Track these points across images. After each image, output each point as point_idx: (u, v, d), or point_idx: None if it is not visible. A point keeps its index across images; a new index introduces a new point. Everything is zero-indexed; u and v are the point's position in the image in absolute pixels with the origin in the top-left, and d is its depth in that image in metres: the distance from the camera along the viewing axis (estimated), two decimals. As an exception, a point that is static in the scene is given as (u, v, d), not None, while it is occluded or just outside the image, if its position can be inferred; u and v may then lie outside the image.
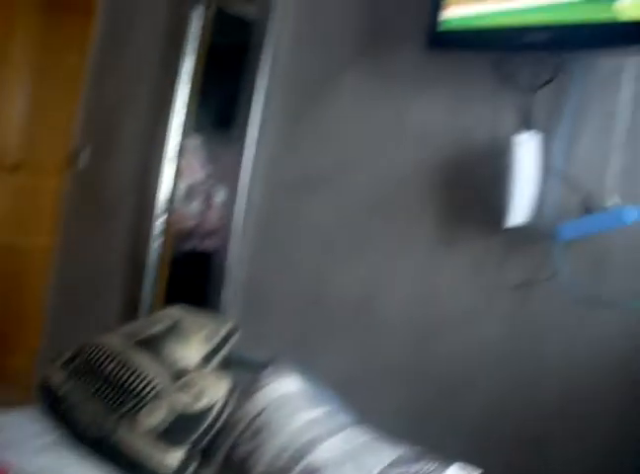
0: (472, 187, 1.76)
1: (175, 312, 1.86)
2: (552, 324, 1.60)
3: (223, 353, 1.79)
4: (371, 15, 2.01)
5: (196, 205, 2.66)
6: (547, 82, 1.63)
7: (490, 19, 1.61)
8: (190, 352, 1.72)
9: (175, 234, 2.58)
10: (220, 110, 2.55)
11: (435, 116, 1.84)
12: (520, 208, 1.56)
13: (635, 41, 1.43)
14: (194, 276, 2.48)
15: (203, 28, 2.49)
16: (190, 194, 2.64)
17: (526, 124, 1.64)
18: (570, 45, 1.53)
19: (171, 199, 2.51)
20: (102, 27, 2.81)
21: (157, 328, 1.77)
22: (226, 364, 1.80)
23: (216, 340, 1.78)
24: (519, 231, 1.60)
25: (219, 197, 2.54)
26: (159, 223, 2.49)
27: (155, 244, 2.50)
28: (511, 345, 1.66)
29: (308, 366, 1.79)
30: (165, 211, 2.51)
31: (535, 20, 1.54)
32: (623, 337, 1.50)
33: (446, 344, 1.77)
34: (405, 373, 1.84)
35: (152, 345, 1.72)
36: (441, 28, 1.67)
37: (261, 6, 2.26)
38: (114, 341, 1.74)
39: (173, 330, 1.76)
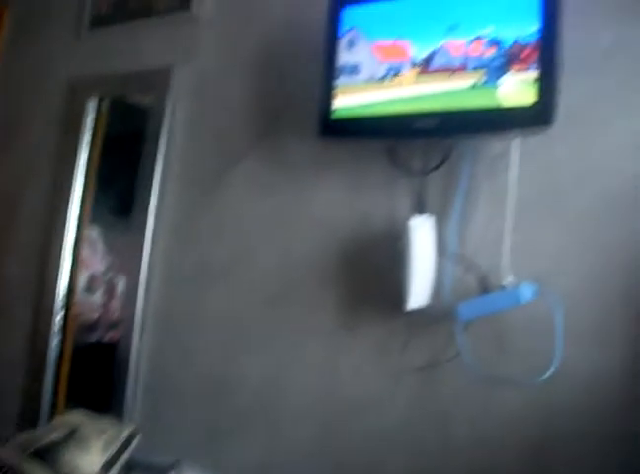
0: (372, 271, 1.76)
1: (74, 418, 1.76)
2: (457, 404, 1.60)
3: (125, 458, 1.70)
4: (266, 105, 2.04)
5: (97, 297, 2.59)
6: (438, 166, 1.68)
7: (380, 107, 1.65)
8: (89, 459, 1.63)
9: (77, 327, 2.50)
10: (118, 199, 2.52)
11: (332, 202, 1.86)
12: (419, 291, 1.57)
13: (516, 125, 1.50)
14: (98, 370, 2.39)
15: (99, 117, 2.48)
16: (91, 285, 2.57)
17: (420, 208, 1.67)
18: (458, 131, 1.58)
19: (71, 292, 2.44)
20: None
21: (54, 436, 1.66)
22: (128, 470, 1.72)
23: (117, 445, 1.69)
24: (420, 313, 1.61)
25: (120, 287, 2.48)
26: (59, 317, 2.41)
27: (56, 339, 2.40)
28: (417, 427, 1.64)
29: (216, 461, 1.75)
30: (65, 304, 2.42)
31: (424, 107, 1.59)
32: (527, 413, 1.51)
33: (352, 429, 1.74)
34: (312, 461, 1.80)
35: (49, 454, 1.62)
36: (333, 116, 1.70)
37: (156, 96, 2.27)
38: (6, 453, 1.63)
39: (71, 437, 1.66)
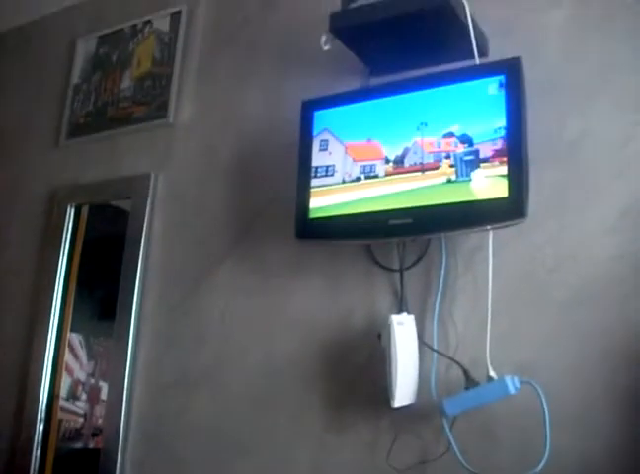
0: (356, 369, 1.76)
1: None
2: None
3: None
4: (244, 207, 2.09)
5: (81, 403, 2.55)
6: (415, 262, 1.71)
7: (355, 206, 1.67)
8: None
9: (60, 434, 2.45)
10: (100, 304, 2.52)
11: (312, 302, 1.87)
12: (404, 388, 1.56)
13: (490, 219, 1.52)
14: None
15: (78, 224, 2.51)
16: (74, 391, 2.53)
17: (400, 305, 1.69)
18: (433, 226, 1.59)
19: (53, 399, 2.40)
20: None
21: None
22: None
23: None
24: (407, 409, 1.59)
25: (104, 393, 2.44)
26: (41, 426, 2.36)
27: (38, 448, 2.35)
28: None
29: None
30: (47, 412, 2.38)
31: (399, 205, 1.61)
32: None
33: None
34: None
35: None
36: (310, 217, 1.72)
37: (135, 202, 2.30)
38: None
39: None
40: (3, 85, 2.98)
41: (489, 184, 1.50)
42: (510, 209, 1.47)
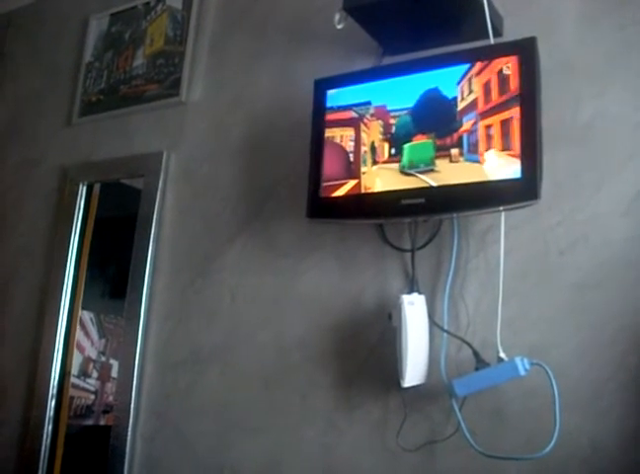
0: (366, 349, 1.76)
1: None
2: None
3: None
4: (255, 186, 2.09)
5: (91, 381, 2.57)
6: (427, 242, 1.71)
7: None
8: None
9: (72, 411, 2.47)
10: (110, 283, 2.53)
11: (323, 281, 1.87)
12: (414, 368, 1.56)
13: (503, 200, 1.51)
14: (92, 454, 2.36)
15: (90, 202, 2.53)
16: (84, 369, 2.55)
17: (411, 285, 1.69)
18: (446, 206, 1.58)
19: (65, 376, 2.42)
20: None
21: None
22: None
23: None
24: (416, 390, 1.60)
25: (114, 371, 2.46)
26: (53, 402, 2.39)
27: (50, 425, 2.38)
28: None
29: None
30: (59, 389, 2.41)
31: (411, 184, 1.60)
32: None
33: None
34: None
35: None
36: (322, 197, 1.72)
37: (147, 180, 2.31)
38: None
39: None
40: (16, 63, 2.99)
41: (502, 164, 1.48)
42: (523, 190, 1.46)
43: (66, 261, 2.46)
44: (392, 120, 1.65)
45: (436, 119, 1.60)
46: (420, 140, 1.60)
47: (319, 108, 1.77)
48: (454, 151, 1.54)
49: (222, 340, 2.03)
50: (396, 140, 1.64)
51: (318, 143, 1.75)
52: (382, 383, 1.69)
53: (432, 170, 1.56)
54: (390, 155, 1.64)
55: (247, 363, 1.97)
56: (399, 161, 1.62)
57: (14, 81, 2.98)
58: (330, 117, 1.75)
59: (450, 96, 1.58)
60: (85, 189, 2.54)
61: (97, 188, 2.56)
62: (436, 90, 1.61)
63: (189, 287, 2.15)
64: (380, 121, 1.67)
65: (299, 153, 1.86)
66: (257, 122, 2.14)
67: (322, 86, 1.79)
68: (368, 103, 1.70)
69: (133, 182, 2.44)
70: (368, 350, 1.75)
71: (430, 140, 1.58)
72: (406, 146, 1.61)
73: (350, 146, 1.70)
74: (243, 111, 2.19)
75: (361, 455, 1.72)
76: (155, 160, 2.31)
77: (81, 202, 2.52)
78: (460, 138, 1.54)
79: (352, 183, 1.68)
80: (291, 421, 1.85)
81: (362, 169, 1.67)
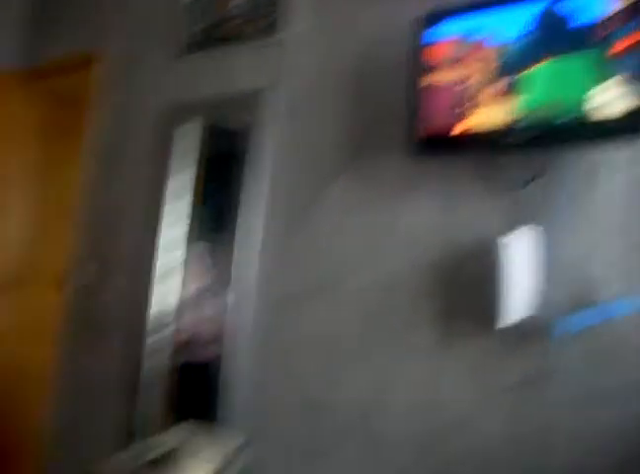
0: (466, 287, 1.77)
1: (184, 430, 1.85)
2: (556, 420, 1.59)
3: (236, 468, 1.78)
4: (357, 123, 2.09)
5: (202, 312, 2.66)
6: (532, 179, 1.68)
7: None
8: (201, 468, 1.71)
9: (181, 343, 2.58)
10: (223, 217, 2.58)
11: (424, 218, 1.88)
12: (513, 307, 1.57)
13: (613, 137, 1.48)
14: (201, 385, 2.46)
15: (198, 139, 2.57)
16: (197, 301, 2.64)
17: (514, 223, 1.67)
18: (553, 143, 1.57)
19: (178, 308, 2.54)
20: (98, 144, 2.90)
21: (166, 447, 1.76)
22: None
23: (227, 456, 1.77)
24: (515, 329, 1.61)
25: (223, 304, 2.55)
26: (169, 332, 2.51)
27: (161, 355, 2.50)
28: (514, 444, 1.65)
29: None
30: (172, 320, 2.53)
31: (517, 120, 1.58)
32: (627, 426, 1.49)
33: (450, 448, 1.75)
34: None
35: (162, 464, 1.71)
36: (428, 133, 1.71)
37: (249, 118, 2.35)
38: (124, 463, 1.73)
39: (182, 448, 1.75)
40: (117, 8, 3.03)
41: (615, 102, 1.44)
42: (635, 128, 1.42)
43: (180, 193, 2.55)
44: (503, 51, 1.62)
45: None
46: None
47: (424, 43, 1.76)
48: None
49: (325, 274, 2.08)
50: (511, 70, 1.61)
51: (424, 79, 1.74)
52: (482, 320, 1.70)
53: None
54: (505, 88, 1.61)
55: (349, 298, 2.00)
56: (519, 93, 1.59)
57: (113, 25, 3.01)
58: (436, 52, 1.73)
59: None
60: (191, 126, 2.58)
61: (202, 126, 2.59)
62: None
63: (293, 224, 2.19)
64: (492, 53, 1.64)
65: (404, 90, 1.85)
66: (359, 60, 2.12)
67: (431, 20, 1.77)
68: (479, 35, 1.67)
69: (236, 121, 2.47)
70: (468, 287, 1.76)
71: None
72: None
73: (458, 81, 1.68)
74: (345, 48, 2.17)
75: (461, 392, 1.75)
76: (256, 98, 2.33)
77: (187, 139, 2.57)
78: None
79: (460, 119, 1.67)
80: (393, 357, 1.90)
81: (470, 105, 1.65)
